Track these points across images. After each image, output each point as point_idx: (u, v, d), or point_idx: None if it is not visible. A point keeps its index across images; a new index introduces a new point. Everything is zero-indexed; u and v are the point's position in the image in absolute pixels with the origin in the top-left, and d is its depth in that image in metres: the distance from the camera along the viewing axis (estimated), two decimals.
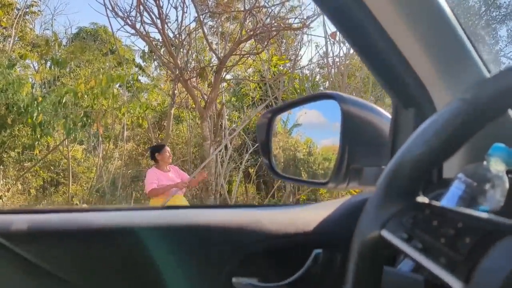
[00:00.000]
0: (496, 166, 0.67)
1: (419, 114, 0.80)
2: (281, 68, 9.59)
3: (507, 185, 0.66)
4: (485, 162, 0.68)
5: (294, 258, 0.72)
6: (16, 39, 11.17)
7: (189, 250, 0.68)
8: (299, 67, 9.77)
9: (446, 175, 0.84)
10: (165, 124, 9.20)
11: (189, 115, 9.37)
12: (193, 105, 7.42)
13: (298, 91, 10.30)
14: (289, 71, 9.18)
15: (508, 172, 0.66)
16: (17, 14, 11.45)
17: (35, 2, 13.03)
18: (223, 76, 7.31)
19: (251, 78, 9.67)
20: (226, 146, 8.15)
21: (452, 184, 0.68)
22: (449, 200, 0.68)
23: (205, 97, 7.03)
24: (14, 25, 10.64)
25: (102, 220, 0.62)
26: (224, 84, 8.43)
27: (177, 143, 9.90)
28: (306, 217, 0.77)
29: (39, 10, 13.43)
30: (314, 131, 1.43)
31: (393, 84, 0.79)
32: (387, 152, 0.92)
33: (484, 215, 0.45)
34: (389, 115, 0.97)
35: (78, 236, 0.63)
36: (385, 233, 0.47)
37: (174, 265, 0.68)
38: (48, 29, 13.56)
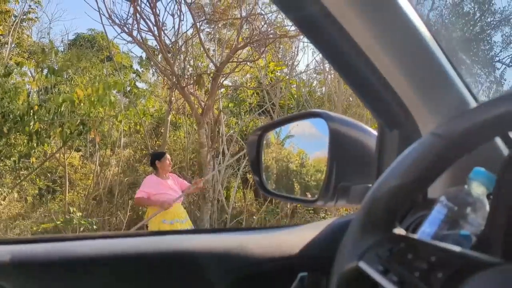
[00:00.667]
0: (477, 189, 0.69)
1: (403, 136, 0.82)
2: (278, 74, 9.62)
3: (487, 208, 0.67)
4: (466, 186, 0.70)
5: (280, 281, 0.73)
6: (13, 46, 11.18)
7: (176, 277, 0.68)
8: (296, 73, 9.81)
9: (432, 195, 0.85)
10: (162, 130, 9.21)
11: (187, 121, 9.39)
12: (190, 112, 7.44)
13: (295, 96, 10.35)
14: (286, 77, 9.22)
15: (488, 196, 0.68)
16: (14, 21, 11.46)
17: (32, 9, 13.05)
18: (221, 83, 7.34)
19: (248, 84, 9.69)
20: (223, 152, 8.16)
21: (434, 208, 0.70)
22: (431, 223, 0.69)
23: (202, 103, 7.05)
24: (11, 32, 10.64)
25: (87, 249, 0.63)
26: (222, 90, 8.46)
27: (175, 149, 9.90)
28: (291, 240, 0.78)
29: (36, 17, 13.45)
30: (306, 142, 1.44)
31: (377, 107, 0.80)
32: (374, 171, 0.93)
33: (456, 249, 0.46)
34: (376, 133, 0.98)
35: (62, 266, 0.64)
36: (363, 265, 0.48)
37: None
38: (44, 37, 13.57)
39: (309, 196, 1.24)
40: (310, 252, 0.75)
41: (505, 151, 0.78)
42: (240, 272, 0.70)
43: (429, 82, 0.74)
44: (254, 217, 8.12)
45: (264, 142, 1.20)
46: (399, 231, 0.50)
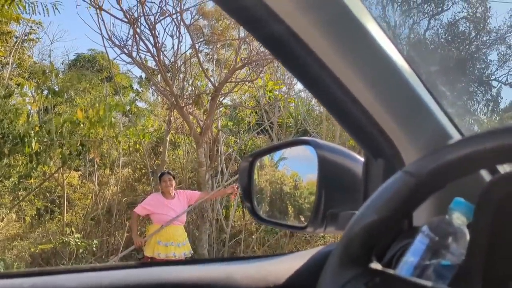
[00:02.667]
0: (458, 219, 0.70)
1: (387, 165, 0.84)
2: (277, 93, 9.70)
3: (468, 238, 0.69)
4: (447, 216, 0.71)
5: None
6: (13, 66, 11.29)
7: None
8: (294, 92, 9.89)
9: (417, 223, 0.87)
10: (161, 150, 9.23)
11: (186, 141, 9.42)
12: (189, 131, 7.48)
13: (294, 115, 10.41)
14: (285, 96, 9.29)
15: (468, 226, 0.69)
16: (16, 42, 11.59)
17: (34, 30, 13.22)
18: (220, 101, 7.41)
19: (247, 103, 9.77)
20: (222, 172, 8.17)
21: (416, 238, 0.71)
22: (413, 253, 0.71)
23: (201, 123, 7.10)
24: (12, 53, 10.76)
25: (73, 283, 0.64)
26: (222, 109, 8.53)
27: (174, 168, 9.90)
28: (277, 269, 0.79)
29: (37, 38, 13.61)
30: (299, 165, 1.46)
31: (361, 137, 0.83)
32: (361, 198, 0.95)
33: (428, 284, 0.47)
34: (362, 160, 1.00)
35: None
36: None
37: None
38: (45, 59, 13.71)
39: (303, 219, 1.25)
40: (297, 282, 0.76)
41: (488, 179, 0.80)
42: None
43: (409, 114, 0.77)
44: (253, 236, 8.07)
45: (255, 169, 1.21)
46: (376, 265, 0.52)
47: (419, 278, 0.65)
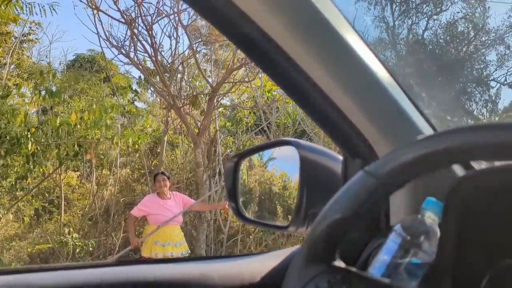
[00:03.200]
0: (429, 219, 0.72)
1: (365, 165, 0.85)
2: (275, 93, 9.71)
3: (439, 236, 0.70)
4: (419, 215, 0.73)
5: None
6: (13, 67, 11.30)
7: None
8: None
9: (394, 222, 0.88)
10: (159, 150, 9.25)
11: (184, 141, 9.43)
12: (187, 132, 7.50)
13: (292, 115, 10.42)
14: (282, 96, 9.29)
15: (439, 225, 0.70)
16: (14, 43, 11.60)
17: (33, 30, 13.23)
18: (218, 102, 7.42)
19: (245, 104, 9.77)
20: (220, 172, 8.18)
21: (389, 237, 0.72)
22: (386, 252, 0.72)
23: (199, 123, 7.11)
24: (11, 53, 10.77)
25: (48, 281, 0.65)
26: (221, 109, 8.54)
27: (172, 169, 9.91)
28: (252, 268, 0.80)
29: (36, 38, 13.62)
30: (288, 165, 1.46)
31: (339, 138, 0.84)
32: None
33: (385, 281, 0.48)
34: None
35: None
36: None
37: None
38: (42, 60, 13.70)
39: (290, 219, 1.26)
40: (271, 281, 0.77)
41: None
42: None
43: (385, 115, 0.78)
44: (250, 236, 8.09)
45: (240, 169, 1.22)
46: (339, 263, 0.53)
47: (391, 276, 0.66)
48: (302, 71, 0.71)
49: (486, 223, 0.58)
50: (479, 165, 0.79)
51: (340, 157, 1.01)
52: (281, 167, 1.58)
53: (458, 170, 0.81)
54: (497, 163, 0.54)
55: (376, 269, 0.73)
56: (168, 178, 5.22)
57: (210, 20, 0.64)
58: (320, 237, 0.52)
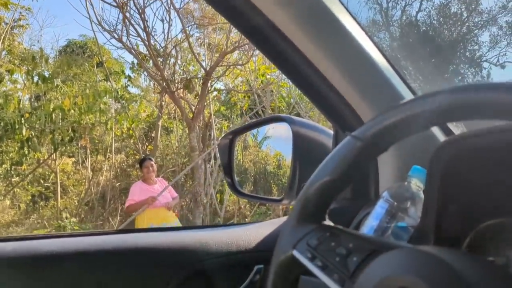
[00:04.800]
0: (415, 185, 0.76)
1: None
2: (269, 77, 9.69)
3: None
4: (406, 182, 0.76)
5: (236, 274, 0.79)
6: (4, 53, 11.16)
7: (135, 272, 0.74)
8: None
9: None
10: (154, 135, 9.25)
11: (178, 126, 9.43)
12: (181, 115, 7.49)
13: (286, 99, 10.43)
14: (276, 79, 9.29)
15: (424, 191, 0.74)
16: (5, 28, 11.43)
17: (23, 15, 13.03)
18: (212, 86, 7.41)
19: (239, 87, 9.76)
20: (215, 156, 8.20)
21: (377, 203, 0.76)
22: (373, 217, 0.76)
23: (193, 108, 7.11)
24: (2, 39, 10.63)
25: (53, 247, 0.68)
26: (215, 93, 8.53)
27: (167, 153, 9.93)
28: (248, 236, 0.83)
29: (27, 24, 13.41)
30: (282, 144, 1.50)
31: (329, 111, 0.87)
32: None
33: (370, 236, 0.52)
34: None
35: (26, 263, 0.69)
36: (296, 253, 0.54)
37: None
38: (34, 45, 13.53)
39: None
40: (266, 247, 0.81)
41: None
42: (199, 266, 0.76)
43: (373, 88, 0.81)
44: (246, 219, 8.17)
45: (236, 145, 1.25)
46: (328, 222, 0.56)
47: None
48: (295, 47, 0.74)
49: (467, 187, 0.62)
50: (459, 131, 0.83)
51: (331, 132, 1.05)
52: (276, 146, 1.61)
53: (441, 137, 0.85)
54: (476, 128, 0.58)
55: (365, 232, 0.78)
56: (155, 163, 5.26)
57: None
58: (311, 198, 0.56)
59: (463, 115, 0.45)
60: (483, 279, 0.39)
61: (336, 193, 0.56)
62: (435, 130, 0.83)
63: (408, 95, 0.85)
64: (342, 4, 0.75)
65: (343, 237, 0.52)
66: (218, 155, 7.09)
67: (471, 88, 0.44)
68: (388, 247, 0.47)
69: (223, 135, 7.97)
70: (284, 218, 0.92)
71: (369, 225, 0.77)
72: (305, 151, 1.02)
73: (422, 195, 0.74)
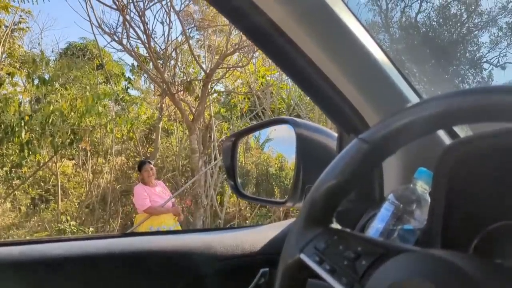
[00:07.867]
0: (421, 187, 0.75)
1: None
2: (269, 78, 9.69)
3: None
4: (411, 185, 0.76)
5: (242, 277, 0.79)
6: (4, 56, 11.16)
7: (141, 276, 0.74)
8: (287, 77, 9.87)
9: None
10: (154, 137, 9.24)
11: (179, 128, 9.43)
12: (182, 117, 7.49)
13: (286, 100, 10.43)
14: (276, 81, 9.29)
15: (430, 193, 0.74)
16: (6, 31, 11.44)
17: (23, 19, 13.03)
18: (212, 88, 7.41)
19: (239, 89, 9.76)
20: (215, 158, 8.20)
21: (383, 205, 0.76)
22: (379, 220, 0.76)
23: (193, 110, 7.11)
24: (2, 42, 10.64)
25: (60, 251, 0.68)
26: (215, 95, 8.53)
27: (167, 155, 9.93)
28: (253, 239, 0.83)
29: (27, 27, 13.42)
30: (284, 146, 1.50)
31: (334, 114, 0.87)
32: None
33: (378, 239, 0.51)
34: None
35: (34, 268, 0.69)
36: (303, 257, 0.54)
37: None
38: (35, 47, 13.53)
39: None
40: (272, 250, 0.81)
41: None
42: (204, 269, 0.76)
43: (378, 91, 0.81)
44: (247, 221, 8.16)
45: (239, 147, 1.25)
46: (335, 225, 0.56)
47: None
48: (298, 48, 0.74)
49: (474, 189, 0.62)
50: (464, 133, 0.82)
51: (335, 134, 1.04)
52: (278, 148, 1.61)
53: (446, 139, 0.85)
54: (481, 130, 0.58)
55: (370, 235, 0.77)
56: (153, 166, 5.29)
57: None
58: (318, 201, 0.56)
59: (471, 118, 0.45)
60: (495, 283, 0.39)
61: (343, 196, 0.56)
62: (440, 132, 0.83)
63: (412, 97, 0.84)
64: (345, 5, 0.75)
65: (351, 241, 0.52)
66: (218, 157, 7.08)
67: (479, 91, 0.44)
68: (397, 250, 0.47)
69: (223, 137, 7.97)
70: (288, 221, 0.92)
71: (375, 228, 0.76)
72: (309, 153, 1.02)
73: (428, 198, 0.74)
